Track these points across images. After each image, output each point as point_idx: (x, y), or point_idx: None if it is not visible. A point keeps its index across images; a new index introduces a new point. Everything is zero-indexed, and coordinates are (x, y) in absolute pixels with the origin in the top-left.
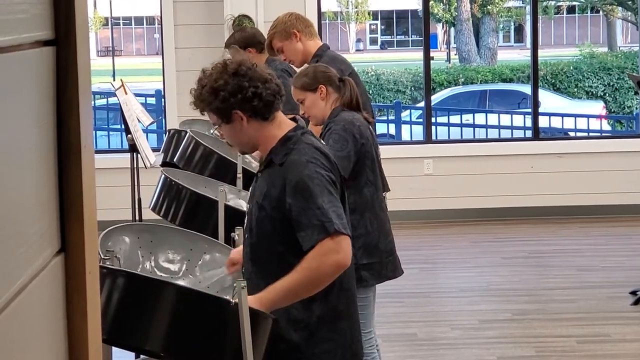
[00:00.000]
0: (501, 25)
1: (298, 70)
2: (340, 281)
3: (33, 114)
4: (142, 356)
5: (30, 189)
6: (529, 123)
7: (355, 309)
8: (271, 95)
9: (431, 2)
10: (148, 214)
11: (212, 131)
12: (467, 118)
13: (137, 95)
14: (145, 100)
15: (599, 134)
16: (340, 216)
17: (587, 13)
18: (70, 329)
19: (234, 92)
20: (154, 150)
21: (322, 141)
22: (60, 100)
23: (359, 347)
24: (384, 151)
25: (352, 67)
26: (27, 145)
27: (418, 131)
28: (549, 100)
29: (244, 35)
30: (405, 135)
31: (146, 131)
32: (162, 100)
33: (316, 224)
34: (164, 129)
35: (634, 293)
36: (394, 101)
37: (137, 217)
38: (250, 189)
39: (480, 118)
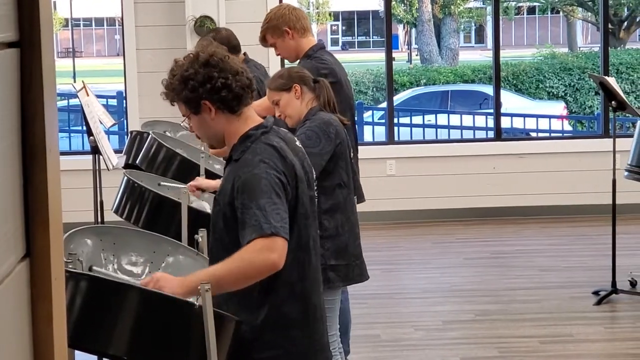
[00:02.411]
0: (462, 26)
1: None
2: (291, 288)
3: None
4: None
5: None
6: (491, 124)
7: (318, 320)
8: (241, 89)
9: (392, 3)
10: (110, 217)
11: (182, 123)
12: (429, 119)
13: (98, 96)
14: (107, 101)
15: (560, 134)
16: (283, 219)
17: (547, 14)
18: (35, 336)
19: (203, 81)
20: (116, 152)
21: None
22: (25, 104)
23: None
24: None
25: (343, 69)
26: None
27: (380, 132)
28: (510, 100)
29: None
30: (368, 136)
31: (108, 133)
32: (124, 101)
33: (254, 224)
34: (125, 130)
35: (596, 293)
36: (356, 102)
37: (99, 220)
38: None
39: (442, 119)
